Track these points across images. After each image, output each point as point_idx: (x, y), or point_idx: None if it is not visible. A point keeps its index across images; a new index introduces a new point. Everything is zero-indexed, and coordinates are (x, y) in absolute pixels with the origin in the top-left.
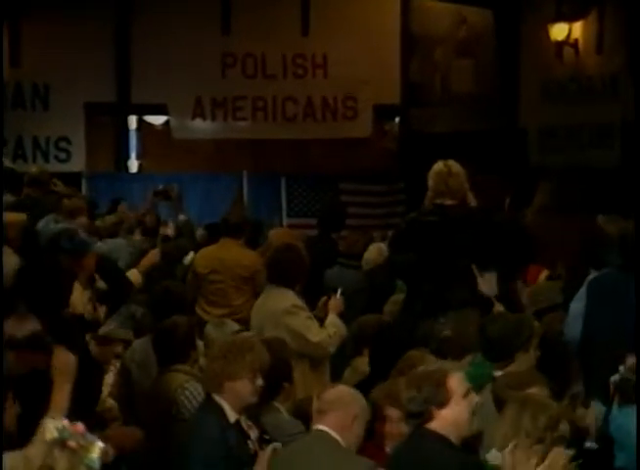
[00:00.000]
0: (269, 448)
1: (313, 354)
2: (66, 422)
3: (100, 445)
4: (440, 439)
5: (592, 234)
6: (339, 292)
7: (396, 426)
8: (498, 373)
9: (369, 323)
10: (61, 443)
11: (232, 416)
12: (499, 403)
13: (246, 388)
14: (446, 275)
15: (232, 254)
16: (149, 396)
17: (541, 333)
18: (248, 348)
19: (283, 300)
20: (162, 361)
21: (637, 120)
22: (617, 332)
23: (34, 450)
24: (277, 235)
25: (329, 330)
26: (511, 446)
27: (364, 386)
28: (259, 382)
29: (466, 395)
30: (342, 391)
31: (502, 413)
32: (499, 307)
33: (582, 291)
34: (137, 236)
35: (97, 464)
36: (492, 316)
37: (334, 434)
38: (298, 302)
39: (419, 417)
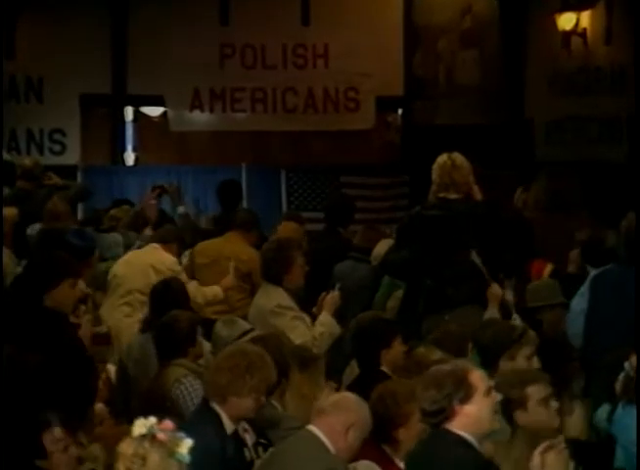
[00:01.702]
0: None
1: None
2: (153, 419)
3: (189, 441)
4: (459, 439)
5: (589, 232)
6: (336, 288)
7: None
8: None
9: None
10: (150, 436)
11: (229, 427)
12: (505, 404)
13: (248, 405)
14: (449, 271)
15: (234, 248)
16: (146, 389)
17: (538, 343)
18: (258, 367)
19: (270, 299)
20: (162, 356)
21: (638, 115)
22: (620, 328)
23: (125, 445)
24: (282, 229)
25: (316, 330)
26: (542, 447)
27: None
28: (263, 399)
29: (488, 392)
30: (348, 397)
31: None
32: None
33: (585, 287)
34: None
35: (187, 459)
36: (484, 323)
37: (321, 435)
38: (285, 301)
39: (438, 415)
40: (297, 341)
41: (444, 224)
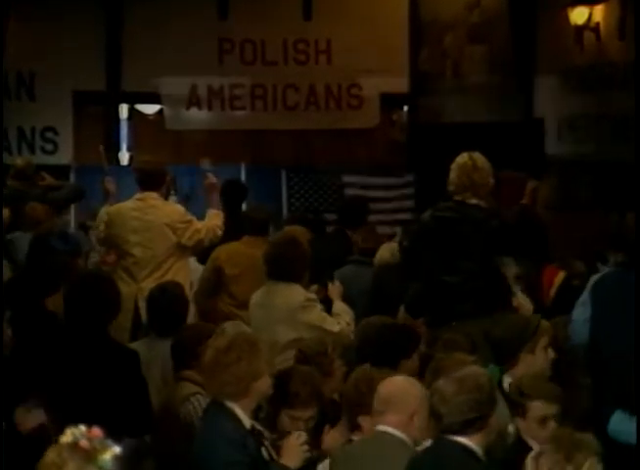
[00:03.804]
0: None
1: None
2: (83, 428)
3: (115, 449)
4: (466, 449)
5: (601, 231)
6: (335, 280)
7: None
8: (507, 379)
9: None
10: (73, 444)
11: (247, 422)
12: (513, 406)
13: (267, 382)
14: (456, 278)
15: (261, 252)
16: (162, 405)
17: (552, 334)
18: (255, 341)
19: (295, 295)
20: (175, 368)
21: (637, 113)
22: (627, 335)
23: (47, 454)
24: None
25: (345, 317)
26: (535, 452)
27: None
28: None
29: None
30: (395, 387)
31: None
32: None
33: (586, 294)
34: None
35: (110, 465)
36: (497, 318)
37: (397, 432)
38: (311, 295)
39: (475, 422)
40: (336, 329)
41: (457, 228)
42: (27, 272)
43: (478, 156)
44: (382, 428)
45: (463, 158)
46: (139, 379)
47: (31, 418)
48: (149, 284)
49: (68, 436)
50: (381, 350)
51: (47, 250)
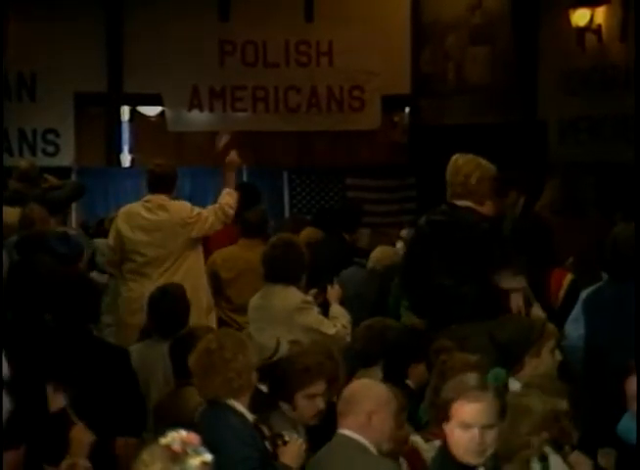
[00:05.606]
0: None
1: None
2: (183, 432)
3: (206, 457)
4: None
5: (604, 236)
6: (334, 283)
7: None
8: (513, 383)
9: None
10: (166, 447)
11: (250, 416)
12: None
13: (255, 375)
14: (454, 283)
15: (257, 255)
16: (167, 409)
17: (558, 337)
18: (241, 336)
19: (291, 297)
20: (178, 373)
21: (637, 114)
22: (624, 348)
23: (143, 451)
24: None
25: (341, 320)
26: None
27: None
28: None
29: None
30: (355, 388)
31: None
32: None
33: (578, 310)
34: None
35: None
36: (501, 320)
37: (355, 435)
38: (307, 297)
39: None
40: (331, 332)
41: (450, 232)
42: (15, 277)
43: (467, 156)
44: (341, 431)
45: (454, 157)
46: (129, 376)
47: (55, 400)
48: (167, 280)
49: (167, 438)
50: (391, 353)
51: (44, 251)
